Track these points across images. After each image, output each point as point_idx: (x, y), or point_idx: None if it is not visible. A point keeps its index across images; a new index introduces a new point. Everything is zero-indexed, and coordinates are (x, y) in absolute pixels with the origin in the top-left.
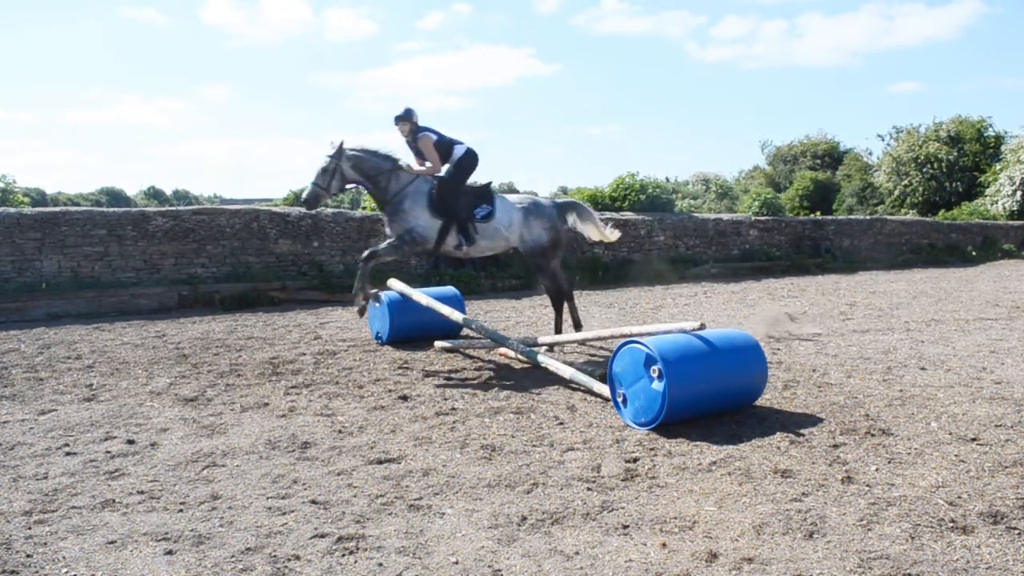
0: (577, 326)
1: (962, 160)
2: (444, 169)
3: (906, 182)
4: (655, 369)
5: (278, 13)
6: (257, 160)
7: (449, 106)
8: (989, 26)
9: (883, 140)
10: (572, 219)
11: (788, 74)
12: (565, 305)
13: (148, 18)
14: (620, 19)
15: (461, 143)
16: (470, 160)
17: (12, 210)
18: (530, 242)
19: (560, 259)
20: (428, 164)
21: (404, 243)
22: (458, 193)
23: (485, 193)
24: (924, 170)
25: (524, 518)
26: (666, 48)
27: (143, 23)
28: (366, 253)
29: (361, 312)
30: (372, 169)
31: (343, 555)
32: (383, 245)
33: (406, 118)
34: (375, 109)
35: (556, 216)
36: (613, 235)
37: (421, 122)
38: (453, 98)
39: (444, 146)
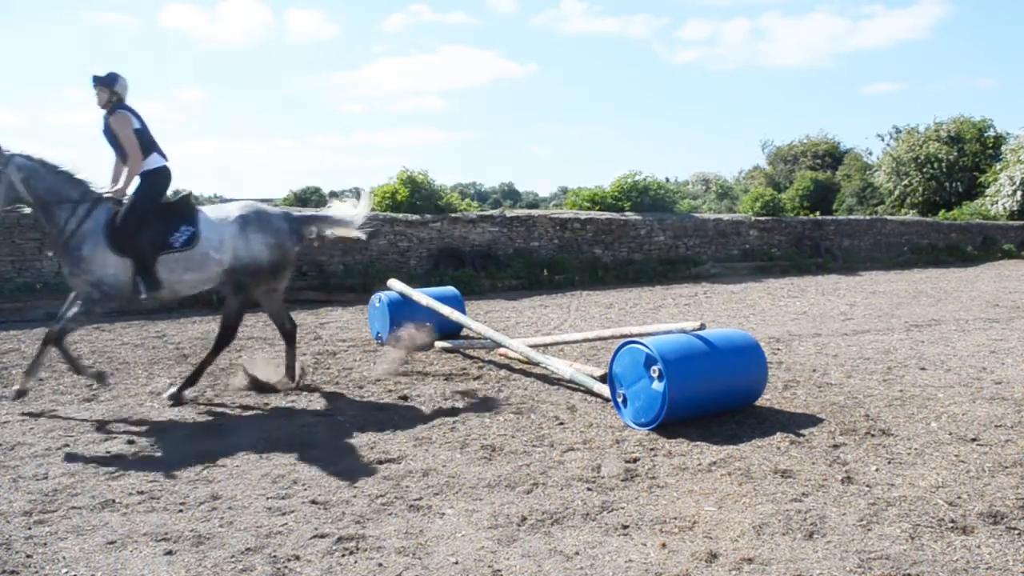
0: (291, 373)
1: (962, 160)
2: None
3: (906, 182)
4: (655, 369)
5: (238, 15)
6: (245, 161)
7: (427, 107)
8: (955, 26)
9: (883, 140)
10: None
11: (757, 76)
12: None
13: (109, 21)
14: (583, 20)
15: (161, 152)
16: (163, 179)
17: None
18: (246, 260)
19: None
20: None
21: (94, 302)
22: (146, 220)
23: (184, 210)
24: (924, 170)
25: (524, 518)
26: (636, 49)
27: (104, 26)
28: (52, 333)
29: (19, 395)
30: (46, 192)
31: (343, 555)
32: (70, 314)
33: (107, 84)
34: (353, 110)
35: (287, 234)
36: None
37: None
38: (430, 98)
39: (144, 144)
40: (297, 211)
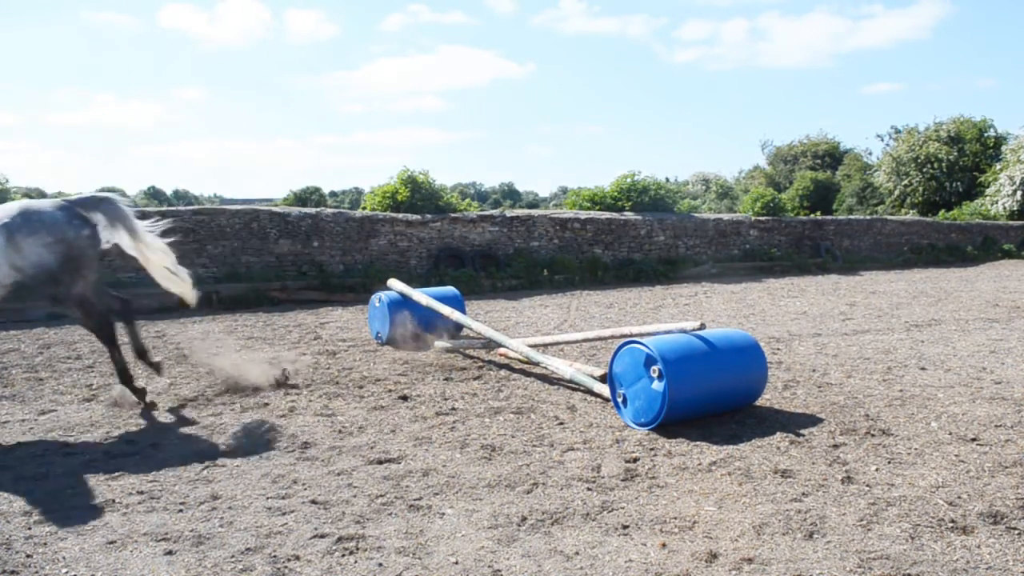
0: (140, 354)
1: (962, 160)
2: None
3: (906, 182)
4: (655, 369)
5: (237, 15)
6: (246, 161)
7: (427, 107)
8: (955, 26)
9: (883, 140)
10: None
11: (757, 76)
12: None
13: (108, 21)
14: (583, 19)
15: None
16: None
17: None
18: (30, 269)
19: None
20: None
21: None
22: None
23: None
24: (924, 170)
25: (524, 518)
26: (635, 49)
27: (103, 26)
28: None
29: None
30: None
31: (343, 555)
32: None
33: None
34: (353, 110)
35: (66, 223)
36: (158, 258)
37: None
38: (429, 98)
39: None
40: (80, 195)
